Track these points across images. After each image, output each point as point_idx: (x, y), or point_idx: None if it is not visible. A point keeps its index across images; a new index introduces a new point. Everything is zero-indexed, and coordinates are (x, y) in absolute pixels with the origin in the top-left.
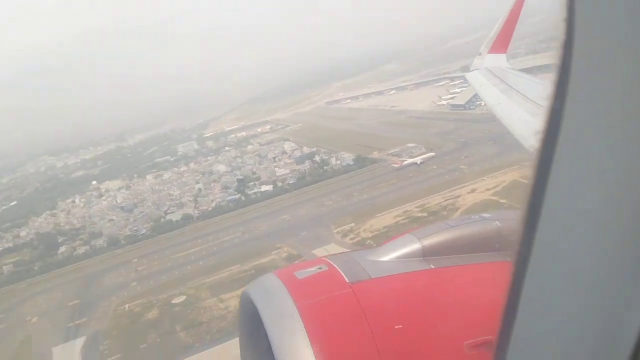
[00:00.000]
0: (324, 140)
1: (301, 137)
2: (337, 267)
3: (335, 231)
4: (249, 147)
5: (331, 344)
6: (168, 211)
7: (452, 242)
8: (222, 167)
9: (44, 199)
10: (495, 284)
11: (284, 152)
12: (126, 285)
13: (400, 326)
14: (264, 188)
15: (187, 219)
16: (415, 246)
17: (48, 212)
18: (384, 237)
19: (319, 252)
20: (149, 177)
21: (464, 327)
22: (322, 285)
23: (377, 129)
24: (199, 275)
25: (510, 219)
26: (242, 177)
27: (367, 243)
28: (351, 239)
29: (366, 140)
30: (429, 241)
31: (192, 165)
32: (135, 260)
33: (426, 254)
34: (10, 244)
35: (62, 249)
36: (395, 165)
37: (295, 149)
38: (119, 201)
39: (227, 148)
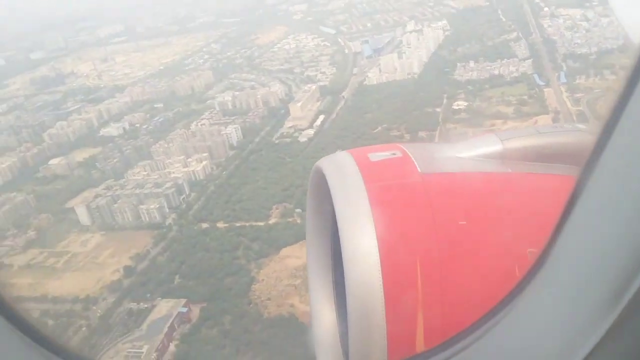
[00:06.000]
0: None
1: None
2: (411, 156)
3: None
4: None
5: (392, 226)
6: None
7: (537, 149)
8: None
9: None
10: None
11: None
12: None
13: (465, 223)
14: None
15: None
16: (496, 147)
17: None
18: None
19: None
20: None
21: (531, 234)
22: (393, 171)
23: None
24: None
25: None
26: None
27: None
28: None
29: None
30: (512, 144)
31: None
32: None
33: (506, 157)
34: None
35: None
36: None
37: None
38: None
39: None
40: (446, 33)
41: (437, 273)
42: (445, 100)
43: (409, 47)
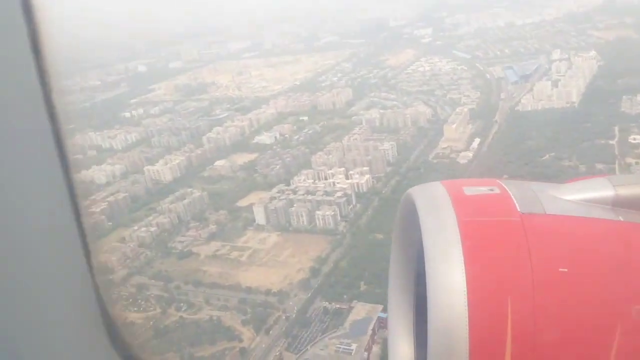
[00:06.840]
0: None
1: None
2: (510, 193)
3: None
4: None
5: (484, 266)
6: None
7: None
8: None
9: None
10: None
11: None
12: None
13: (566, 270)
14: None
15: None
16: (607, 193)
17: None
18: None
19: None
20: None
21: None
22: (490, 207)
23: None
24: None
25: None
26: None
27: None
28: None
29: None
30: (627, 191)
31: None
32: None
33: (618, 204)
34: None
35: None
36: None
37: None
38: None
39: None
40: (599, 64)
41: (530, 320)
42: (617, 133)
43: (563, 76)
